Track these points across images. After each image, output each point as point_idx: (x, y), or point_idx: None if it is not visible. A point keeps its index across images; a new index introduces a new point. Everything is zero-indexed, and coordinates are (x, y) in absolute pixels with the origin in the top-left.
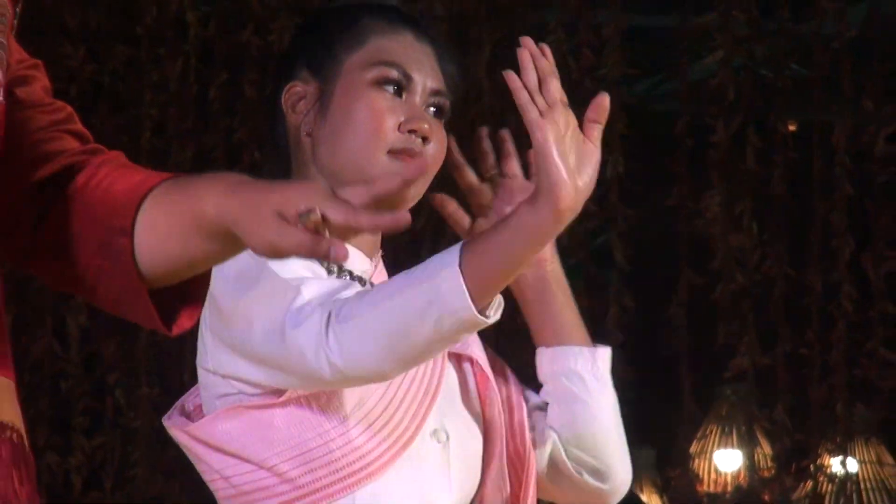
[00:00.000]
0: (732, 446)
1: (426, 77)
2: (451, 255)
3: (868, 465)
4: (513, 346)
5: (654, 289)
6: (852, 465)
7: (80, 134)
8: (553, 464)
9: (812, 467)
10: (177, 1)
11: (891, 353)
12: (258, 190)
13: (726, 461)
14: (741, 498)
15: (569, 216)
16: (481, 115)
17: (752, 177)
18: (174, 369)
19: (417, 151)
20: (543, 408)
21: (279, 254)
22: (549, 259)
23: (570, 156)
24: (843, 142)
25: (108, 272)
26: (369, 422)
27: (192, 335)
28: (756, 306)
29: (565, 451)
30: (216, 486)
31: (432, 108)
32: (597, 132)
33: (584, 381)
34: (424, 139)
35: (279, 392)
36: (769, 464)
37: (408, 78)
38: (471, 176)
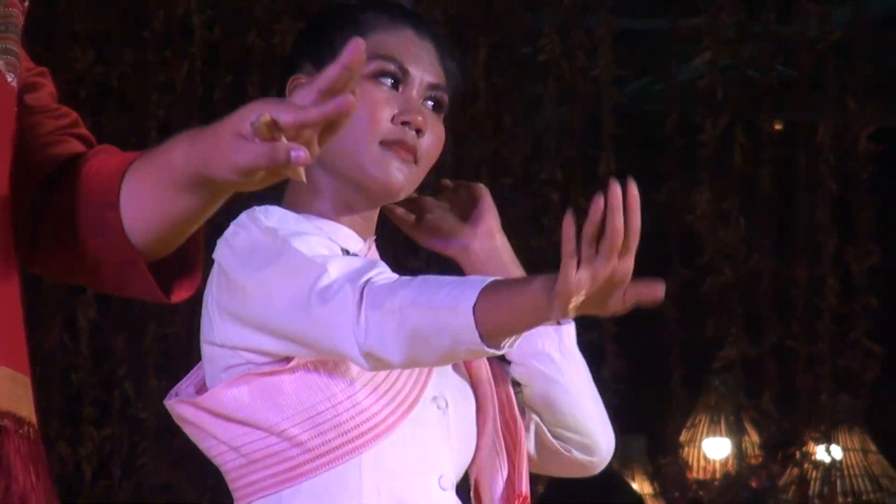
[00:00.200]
0: (721, 435)
1: (424, 72)
2: (472, 290)
3: (852, 453)
4: None
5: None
6: (837, 453)
7: (84, 138)
8: (542, 445)
9: (798, 454)
10: (183, 5)
11: (873, 344)
12: (215, 126)
13: (715, 449)
14: (729, 484)
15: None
16: (477, 117)
17: (740, 174)
18: (181, 362)
19: (410, 143)
20: (517, 385)
21: (242, 171)
22: (499, 230)
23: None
24: (828, 140)
25: (105, 249)
26: (374, 385)
27: (198, 329)
28: (743, 299)
29: (550, 432)
30: (224, 460)
31: (430, 102)
32: (627, 305)
33: (553, 361)
34: (418, 131)
35: (288, 359)
36: (756, 451)
37: (404, 72)
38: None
